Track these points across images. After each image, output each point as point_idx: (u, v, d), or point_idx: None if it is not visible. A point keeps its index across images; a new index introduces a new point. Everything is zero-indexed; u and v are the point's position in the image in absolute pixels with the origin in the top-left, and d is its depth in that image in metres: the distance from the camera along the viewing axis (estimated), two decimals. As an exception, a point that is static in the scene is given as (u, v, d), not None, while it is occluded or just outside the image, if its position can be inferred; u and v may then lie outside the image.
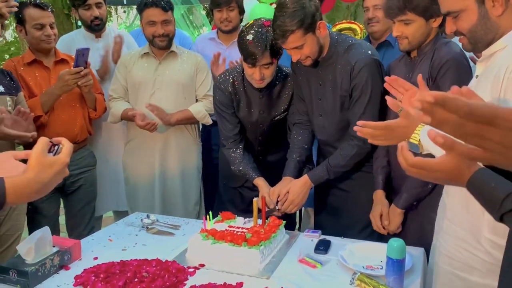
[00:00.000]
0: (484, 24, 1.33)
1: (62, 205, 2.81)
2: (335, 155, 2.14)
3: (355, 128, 1.47)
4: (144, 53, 2.73)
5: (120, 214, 3.00)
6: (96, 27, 2.92)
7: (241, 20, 3.08)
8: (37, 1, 2.50)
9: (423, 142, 1.34)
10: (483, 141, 0.67)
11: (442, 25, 1.80)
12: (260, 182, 2.27)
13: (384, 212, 2.01)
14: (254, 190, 2.35)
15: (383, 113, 2.04)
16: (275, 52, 2.10)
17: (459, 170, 0.95)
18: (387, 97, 1.46)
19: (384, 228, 2.01)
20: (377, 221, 2.02)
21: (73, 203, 2.72)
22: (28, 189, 0.97)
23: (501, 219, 0.90)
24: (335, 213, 2.31)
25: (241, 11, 3.01)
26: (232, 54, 2.95)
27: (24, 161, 1.10)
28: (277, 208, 2.17)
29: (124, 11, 7.94)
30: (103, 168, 2.92)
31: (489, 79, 1.30)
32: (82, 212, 2.74)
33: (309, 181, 2.17)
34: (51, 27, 2.52)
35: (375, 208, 2.05)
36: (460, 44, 1.50)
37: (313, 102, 2.19)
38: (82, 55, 2.44)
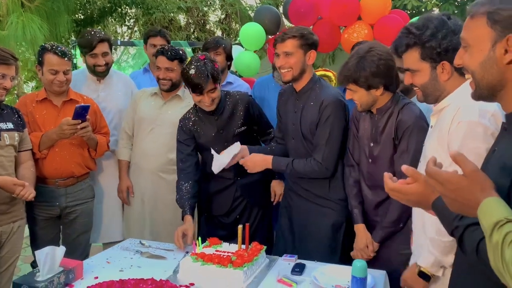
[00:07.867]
0: (433, 84, 1.72)
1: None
2: (301, 161, 2.39)
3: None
4: (154, 93, 2.99)
5: (108, 244, 3.16)
6: (99, 74, 3.10)
7: (229, 67, 3.27)
8: (58, 48, 2.67)
9: None
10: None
11: (394, 88, 2.15)
12: (188, 218, 2.46)
13: (369, 243, 2.23)
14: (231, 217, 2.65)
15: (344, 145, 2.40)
16: (216, 78, 2.43)
17: (425, 194, 1.23)
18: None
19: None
20: (366, 251, 2.23)
21: (69, 231, 2.89)
22: None
23: (451, 233, 1.19)
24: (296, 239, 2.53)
25: (229, 57, 3.23)
26: None
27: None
28: None
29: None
30: (101, 201, 3.10)
31: (437, 133, 1.66)
32: (77, 241, 2.90)
33: (271, 162, 2.44)
34: (65, 73, 2.70)
35: (360, 241, 2.26)
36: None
37: (288, 127, 2.52)
38: (81, 111, 2.58)
